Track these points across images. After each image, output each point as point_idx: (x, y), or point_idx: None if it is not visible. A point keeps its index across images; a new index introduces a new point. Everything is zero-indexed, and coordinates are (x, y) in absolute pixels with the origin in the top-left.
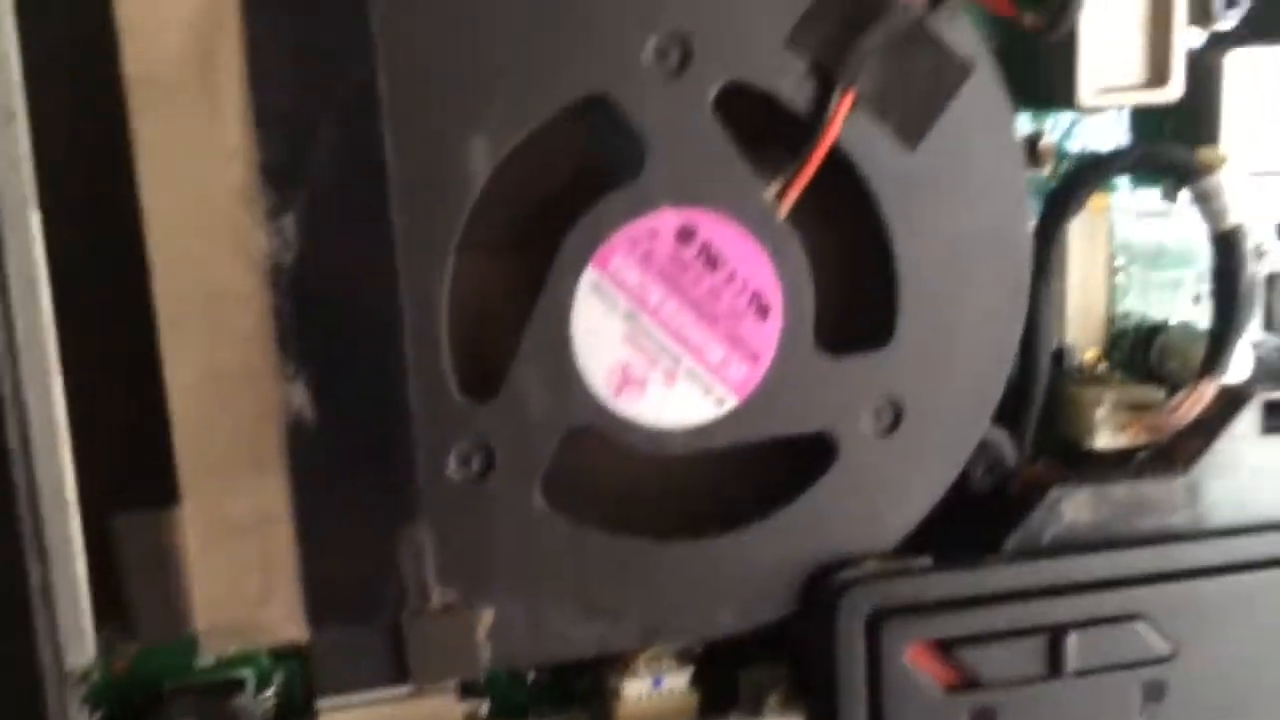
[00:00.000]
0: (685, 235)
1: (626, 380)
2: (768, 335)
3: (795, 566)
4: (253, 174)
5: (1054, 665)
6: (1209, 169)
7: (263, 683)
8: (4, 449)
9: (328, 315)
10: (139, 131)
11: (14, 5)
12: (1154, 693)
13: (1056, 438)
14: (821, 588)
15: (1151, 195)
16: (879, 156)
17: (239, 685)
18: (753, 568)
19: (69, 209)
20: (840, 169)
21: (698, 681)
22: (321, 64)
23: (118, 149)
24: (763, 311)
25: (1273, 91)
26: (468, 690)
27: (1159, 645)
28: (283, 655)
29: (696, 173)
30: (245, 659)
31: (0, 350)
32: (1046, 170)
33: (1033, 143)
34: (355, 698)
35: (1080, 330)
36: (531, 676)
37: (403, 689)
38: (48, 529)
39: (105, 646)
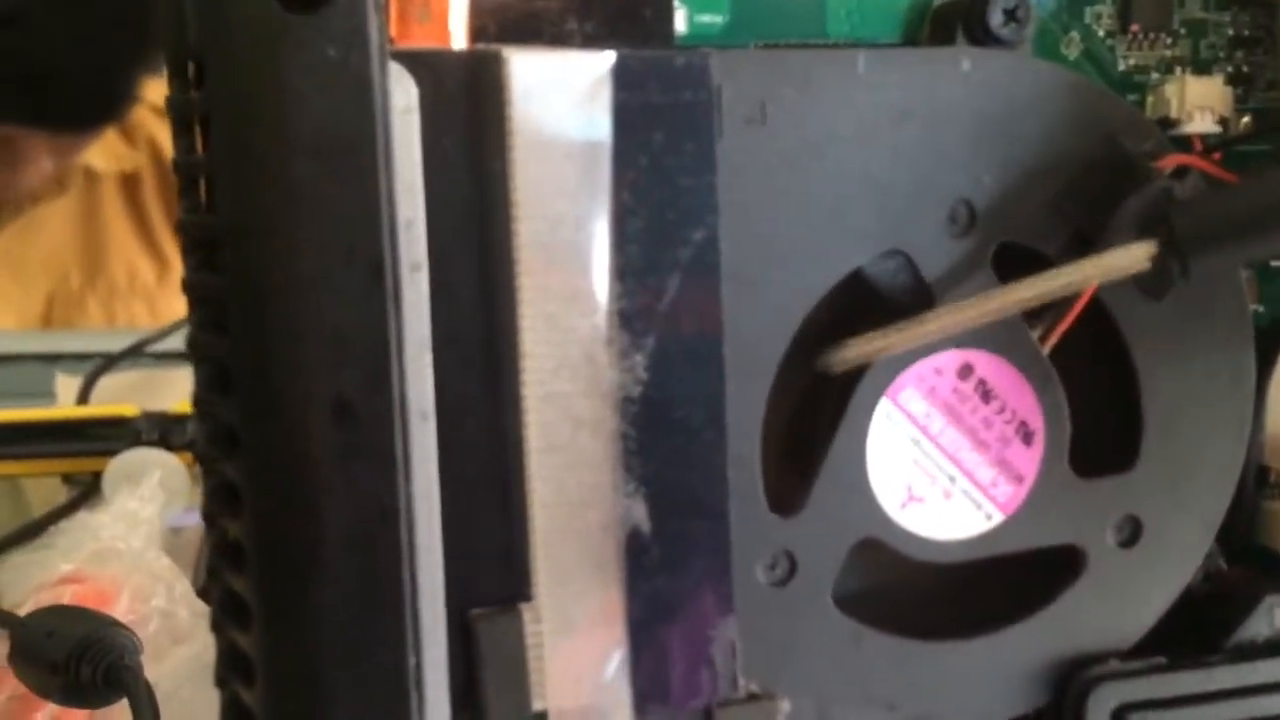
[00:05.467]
0: (965, 372)
1: (910, 497)
2: (1031, 459)
3: (1047, 664)
4: (612, 321)
5: None
6: None
7: None
8: (398, 557)
9: (665, 441)
10: (522, 286)
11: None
12: None
13: (1254, 546)
14: (1071, 684)
15: None
16: (1128, 306)
17: None
18: (1010, 665)
19: (455, 350)
20: (1094, 315)
21: None
22: (674, 228)
23: (501, 298)
24: (1027, 438)
25: None
26: None
27: None
28: None
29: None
30: None
31: (398, 472)
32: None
33: None
34: None
35: (1277, 452)
36: None
37: None
38: (423, 624)
39: None
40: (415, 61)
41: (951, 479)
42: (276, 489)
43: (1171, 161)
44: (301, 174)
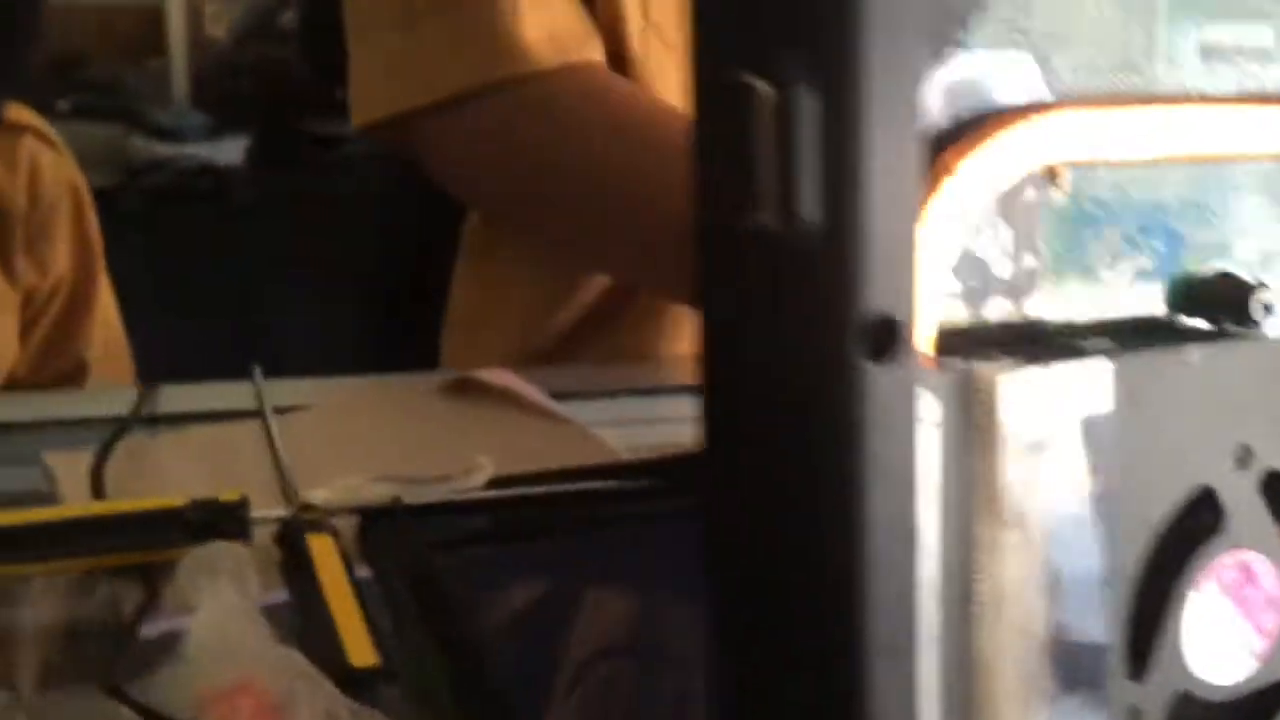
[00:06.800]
0: (1245, 567)
1: (1209, 655)
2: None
3: None
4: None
5: None
6: None
7: None
8: None
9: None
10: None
11: None
12: None
13: None
14: None
15: None
16: None
17: None
18: None
19: None
20: None
21: None
22: None
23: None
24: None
25: None
26: None
27: None
28: None
29: (1252, 531)
30: None
31: None
32: None
33: None
34: None
35: None
36: None
37: None
38: None
39: None
40: (929, 383)
41: (1235, 645)
42: None
43: None
44: (869, 505)
